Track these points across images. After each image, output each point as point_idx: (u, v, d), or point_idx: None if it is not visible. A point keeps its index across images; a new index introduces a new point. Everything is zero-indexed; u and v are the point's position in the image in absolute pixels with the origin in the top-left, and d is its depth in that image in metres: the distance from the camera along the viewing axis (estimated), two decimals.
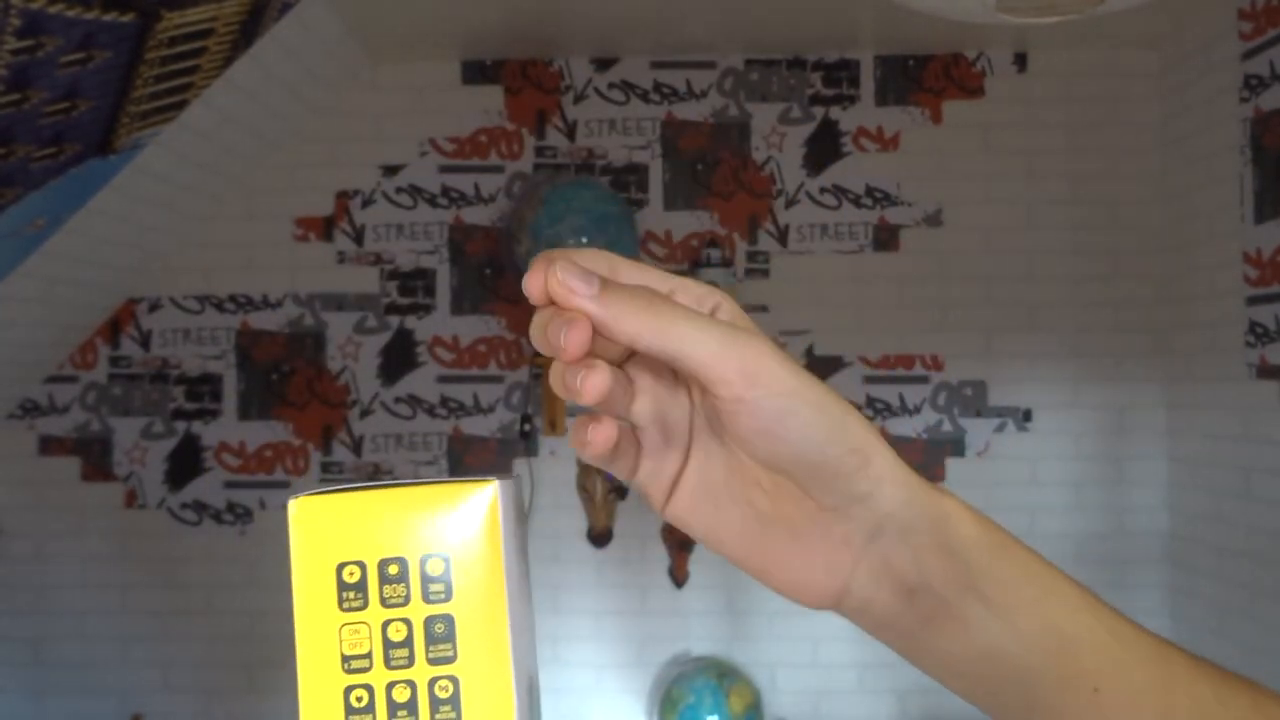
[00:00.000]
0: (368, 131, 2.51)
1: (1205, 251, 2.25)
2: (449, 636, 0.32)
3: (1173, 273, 2.39)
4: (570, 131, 2.51)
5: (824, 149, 2.49)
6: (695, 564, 2.45)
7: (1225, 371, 2.16)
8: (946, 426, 2.47)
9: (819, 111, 2.49)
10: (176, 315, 2.51)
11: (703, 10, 2.22)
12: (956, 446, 2.46)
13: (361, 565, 0.32)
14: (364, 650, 0.32)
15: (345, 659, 0.32)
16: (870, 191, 2.48)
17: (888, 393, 2.47)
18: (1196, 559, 2.29)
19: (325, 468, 2.49)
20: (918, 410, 2.47)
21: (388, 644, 0.32)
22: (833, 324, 2.46)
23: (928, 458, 2.45)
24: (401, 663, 0.32)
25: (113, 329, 2.51)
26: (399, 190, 2.51)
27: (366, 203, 2.51)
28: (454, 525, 0.33)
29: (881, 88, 2.49)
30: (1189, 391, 2.33)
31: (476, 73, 2.51)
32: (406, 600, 0.32)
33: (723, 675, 2.27)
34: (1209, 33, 2.21)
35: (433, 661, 0.32)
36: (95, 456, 2.50)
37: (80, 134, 1.64)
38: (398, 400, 2.50)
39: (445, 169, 2.51)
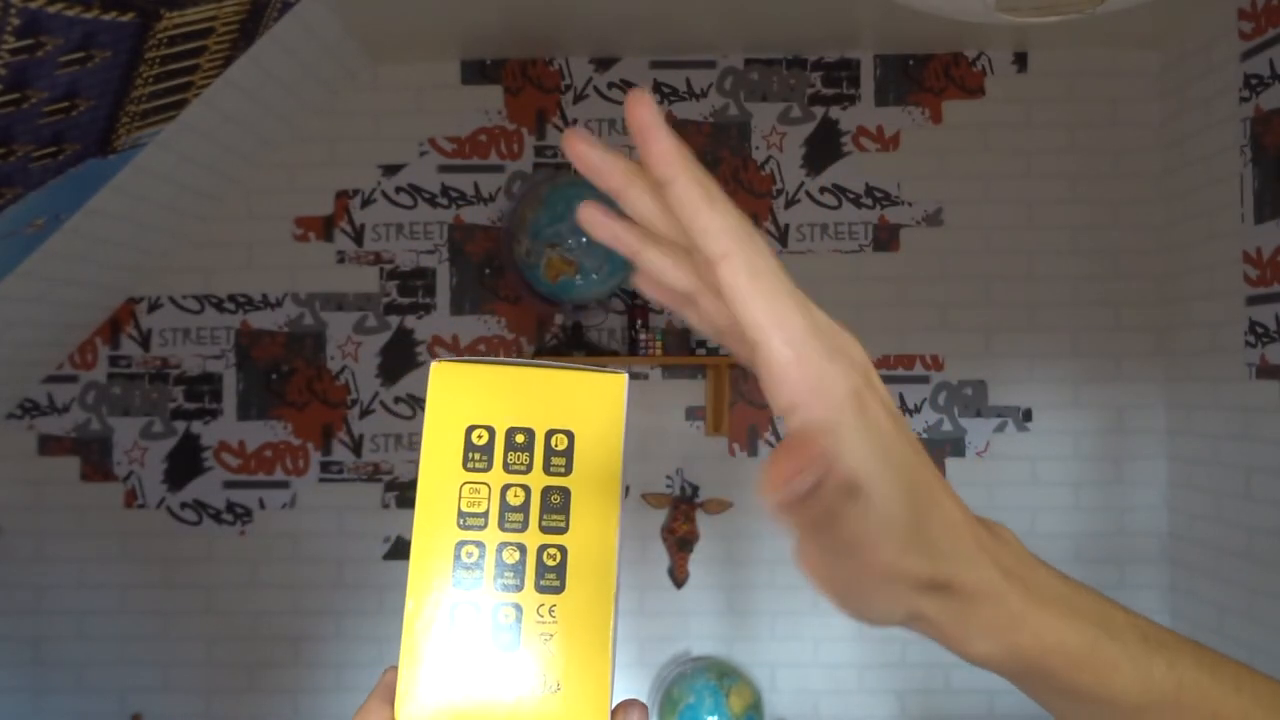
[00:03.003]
0: (367, 131, 2.51)
1: (1205, 251, 2.24)
2: (564, 508, 0.34)
3: (1173, 273, 2.39)
4: None
5: (824, 149, 2.49)
6: (695, 564, 2.45)
7: (1225, 371, 2.15)
8: (946, 426, 2.47)
9: (819, 111, 2.49)
10: (176, 315, 2.50)
11: (703, 10, 2.22)
12: (956, 446, 2.46)
13: (490, 430, 0.34)
14: (481, 509, 0.34)
15: (462, 515, 0.34)
16: (870, 191, 2.48)
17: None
18: (1196, 559, 2.29)
19: (325, 467, 2.49)
20: (918, 410, 2.47)
21: (505, 507, 0.34)
22: None
23: None
24: (515, 526, 0.34)
25: (113, 329, 2.51)
26: (399, 190, 2.50)
27: (366, 202, 2.51)
28: (583, 406, 0.34)
29: (881, 87, 2.49)
30: (1189, 391, 2.33)
31: (476, 72, 2.51)
32: (528, 469, 0.34)
33: (723, 675, 2.26)
34: (1209, 33, 2.21)
35: (545, 530, 0.34)
36: (95, 456, 2.50)
37: (80, 134, 1.64)
38: (397, 400, 2.49)
39: (445, 169, 2.51)
